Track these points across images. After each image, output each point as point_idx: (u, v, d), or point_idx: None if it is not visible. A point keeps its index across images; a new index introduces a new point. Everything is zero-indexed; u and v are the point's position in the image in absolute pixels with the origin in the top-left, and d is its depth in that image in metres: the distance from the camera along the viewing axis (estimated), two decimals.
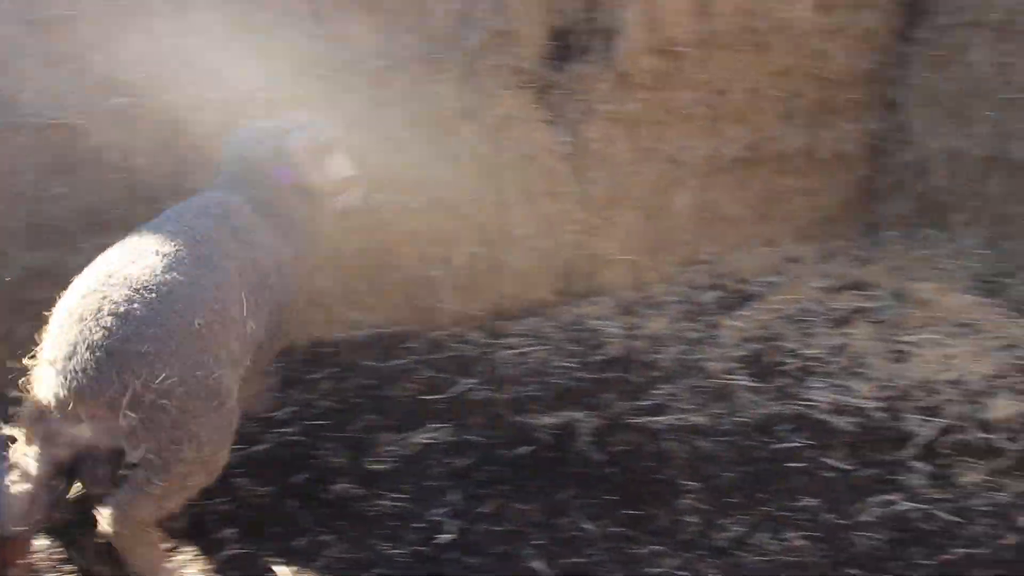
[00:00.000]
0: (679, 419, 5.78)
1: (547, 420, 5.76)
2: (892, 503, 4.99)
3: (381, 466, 5.36)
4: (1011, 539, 4.71)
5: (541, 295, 7.31)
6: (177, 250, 4.34)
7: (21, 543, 4.24)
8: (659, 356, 6.53)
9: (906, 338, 6.63)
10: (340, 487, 5.14)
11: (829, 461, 5.36)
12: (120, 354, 3.98)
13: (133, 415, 3.99)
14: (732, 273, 7.79)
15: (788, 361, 6.45)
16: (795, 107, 8.23)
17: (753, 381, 6.21)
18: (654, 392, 6.10)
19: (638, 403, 5.97)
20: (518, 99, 7.12)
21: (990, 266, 7.83)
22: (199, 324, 4.16)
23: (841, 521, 4.87)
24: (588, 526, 4.85)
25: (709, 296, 7.44)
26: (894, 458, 5.39)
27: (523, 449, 5.50)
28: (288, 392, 6.00)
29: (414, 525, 4.86)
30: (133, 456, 4.13)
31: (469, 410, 5.93)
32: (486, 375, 6.34)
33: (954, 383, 6.07)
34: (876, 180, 8.67)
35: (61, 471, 4.20)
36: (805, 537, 4.75)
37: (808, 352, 6.55)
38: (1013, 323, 6.80)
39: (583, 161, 7.35)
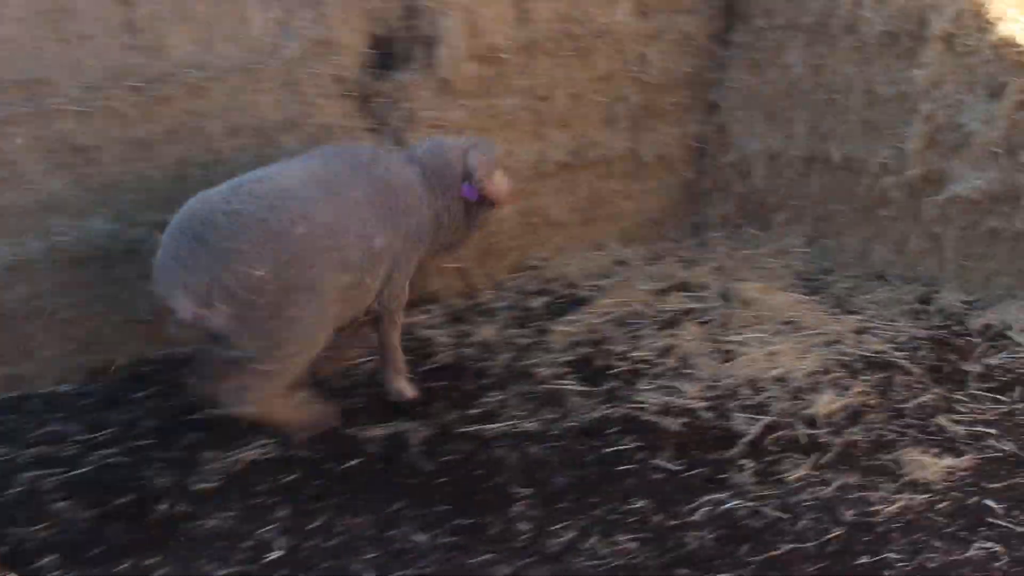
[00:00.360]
0: (510, 426, 5.85)
1: (376, 432, 5.78)
2: (721, 502, 5.13)
3: (207, 485, 5.32)
4: (836, 532, 4.89)
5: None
6: (314, 174, 5.53)
7: None
8: (489, 363, 6.60)
9: (732, 338, 6.82)
10: (165, 508, 5.10)
11: (659, 462, 5.49)
12: (217, 250, 4.96)
13: (225, 308, 4.96)
14: (561, 277, 7.91)
15: (617, 364, 6.58)
16: (618, 111, 8.39)
17: (583, 385, 6.32)
18: (485, 400, 6.17)
19: (468, 411, 6.04)
20: (340, 108, 7.12)
21: (811, 264, 8.10)
22: (301, 232, 5.14)
23: (671, 522, 4.99)
24: (420, 537, 4.89)
25: (538, 301, 7.53)
26: (722, 457, 5.54)
27: (352, 462, 5.51)
28: (110, 413, 5.94)
29: (242, 544, 4.84)
30: (238, 345, 5.08)
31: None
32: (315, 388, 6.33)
33: (779, 380, 6.27)
34: (700, 182, 8.89)
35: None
36: (636, 539, 4.86)
37: (637, 354, 6.69)
38: (834, 319, 7.05)
39: None
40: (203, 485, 5.32)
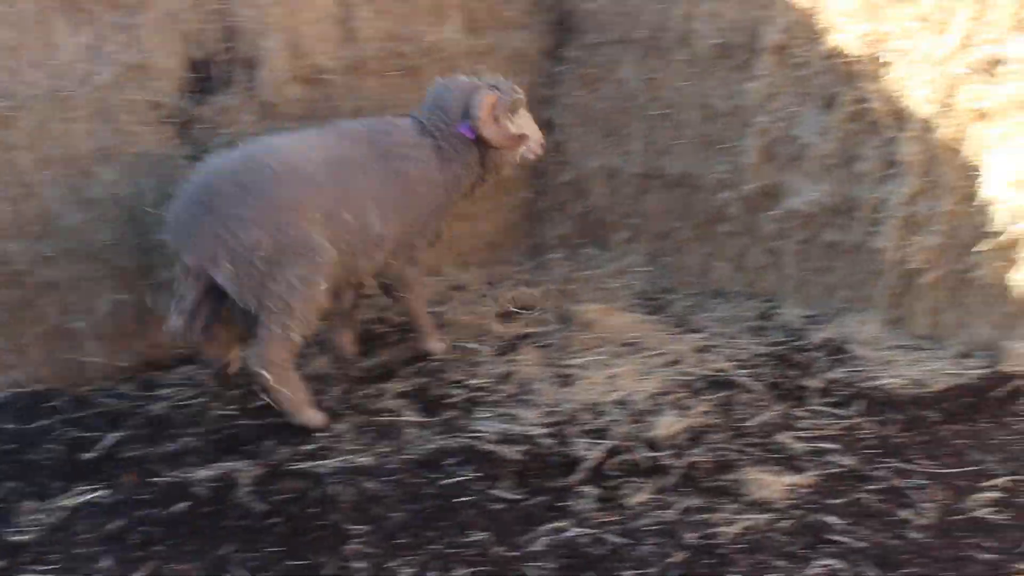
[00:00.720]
0: (344, 461, 5.76)
1: (204, 473, 5.65)
2: (562, 530, 5.10)
3: (24, 536, 5.15)
4: (679, 556, 4.89)
5: None
6: (318, 146, 6.28)
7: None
8: (322, 396, 6.50)
9: (572, 361, 6.83)
10: None
11: (498, 492, 5.45)
12: (223, 215, 5.77)
13: (230, 267, 5.77)
14: (395, 305, 7.82)
15: (455, 393, 6.54)
16: None
17: (420, 416, 6.27)
18: (318, 435, 6.07)
19: (301, 447, 5.94)
20: (158, 135, 6.96)
21: (652, 283, 8.18)
22: (300, 200, 5.92)
23: (511, 553, 4.95)
24: None
25: (373, 329, 7.46)
26: (563, 484, 5.52)
27: (180, 505, 5.37)
28: None
29: None
30: (246, 305, 5.93)
31: (121, 468, 5.77)
32: (138, 430, 6.18)
33: (620, 403, 6.29)
34: (537, 202, 8.92)
35: (208, 305, 6.15)
36: (475, 572, 4.81)
37: (474, 382, 6.66)
38: (675, 339, 7.10)
39: None
40: (20, 536, 5.14)
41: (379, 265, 6.58)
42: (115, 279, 6.80)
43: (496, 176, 7.08)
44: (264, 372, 5.99)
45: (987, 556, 4.78)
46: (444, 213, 6.92)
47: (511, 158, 6.98)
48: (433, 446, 5.90)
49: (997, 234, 6.49)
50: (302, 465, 5.74)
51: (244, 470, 5.67)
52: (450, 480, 5.57)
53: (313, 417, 6.17)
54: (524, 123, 6.97)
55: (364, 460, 5.77)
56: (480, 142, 6.75)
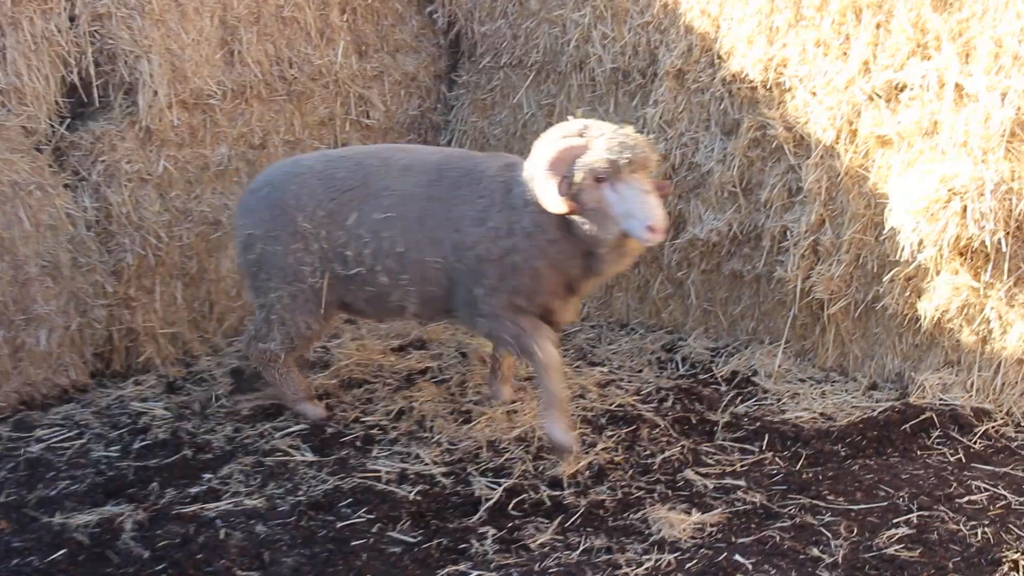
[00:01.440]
0: (234, 503, 5.74)
1: (85, 518, 5.59)
2: (462, 573, 5.13)
3: None
4: None
5: (74, 378, 7.12)
6: (363, 166, 6.27)
7: None
8: (210, 436, 6.48)
9: (471, 397, 6.86)
10: None
11: (395, 535, 5.46)
12: (243, 204, 6.50)
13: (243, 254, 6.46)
14: None
15: (350, 430, 6.54)
16: None
17: (313, 455, 6.26)
18: (206, 476, 6.04)
19: (188, 490, 5.90)
20: (31, 163, 6.90)
21: None
22: (301, 218, 6.21)
23: None
24: None
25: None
26: (462, 525, 5.55)
27: (58, 553, 5.30)
28: None
29: None
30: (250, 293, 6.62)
31: None
32: (14, 473, 6.11)
33: (521, 440, 6.33)
34: None
35: None
36: None
37: (370, 419, 6.67)
38: (577, 372, 7.17)
39: (111, 227, 7.22)
40: None
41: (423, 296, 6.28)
42: None
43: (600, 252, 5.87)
44: (263, 366, 6.69)
45: None
46: (534, 277, 6.01)
47: (591, 233, 5.71)
48: (327, 486, 5.90)
49: (903, 263, 6.64)
50: (188, 508, 5.70)
51: (127, 514, 5.61)
52: (345, 522, 5.57)
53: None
54: (626, 195, 5.58)
55: (254, 502, 5.75)
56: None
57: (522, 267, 5.95)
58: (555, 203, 5.58)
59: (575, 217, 5.66)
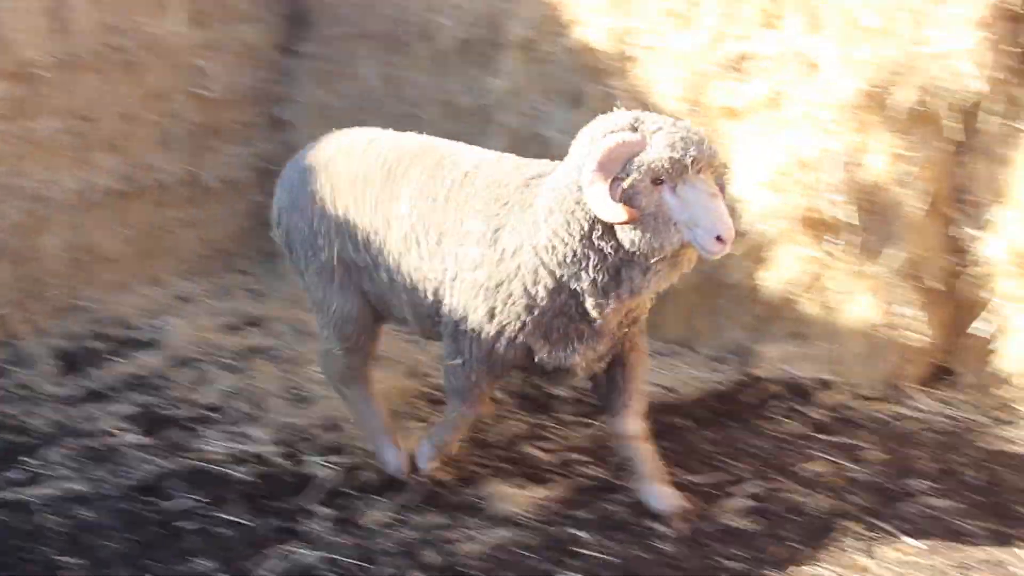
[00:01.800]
0: (57, 488, 5.63)
1: None
2: (293, 554, 5.09)
3: None
4: None
5: None
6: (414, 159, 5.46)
7: None
8: (31, 419, 6.35)
9: (306, 375, 6.82)
10: None
11: (226, 516, 5.41)
12: (282, 176, 6.00)
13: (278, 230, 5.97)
14: (115, 318, 7.74)
15: (180, 411, 6.47)
16: (174, 131, 8.30)
17: (142, 437, 6.17)
18: (26, 460, 5.92)
19: (7, 474, 5.79)
20: None
21: None
22: (323, 198, 5.61)
23: None
24: None
25: (90, 346, 7.33)
26: (295, 505, 5.51)
27: None
28: None
29: None
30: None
31: None
32: None
33: None
34: (269, 206, 8.84)
35: None
36: None
37: (202, 399, 6.60)
38: (419, 350, 7.14)
39: None
40: None
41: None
42: None
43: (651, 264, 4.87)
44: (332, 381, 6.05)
45: (736, 565, 4.96)
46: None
47: (645, 244, 4.73)
48: (155, 469, 5.83)
49: (748, 235, 6.71)
50: (8, 494, 5.59)
51: None
52: (173, 505, 5.50)
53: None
54: (691, 199, 4.66)
55: (78, 486, 5.66)
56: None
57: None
58: (611, 211, 4.63)
59: (625, 226, 4.72)
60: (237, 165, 8.66)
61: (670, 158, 4.58)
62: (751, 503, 5.46)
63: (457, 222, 5.21)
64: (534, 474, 5.76)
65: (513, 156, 5.45)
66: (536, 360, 5.18)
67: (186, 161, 8.37)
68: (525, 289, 5.02)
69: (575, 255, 4.84)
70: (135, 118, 8.08)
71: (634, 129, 4.71)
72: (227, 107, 8.59)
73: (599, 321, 5.02)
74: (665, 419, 6.31)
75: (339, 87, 8.68)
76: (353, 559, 5.05)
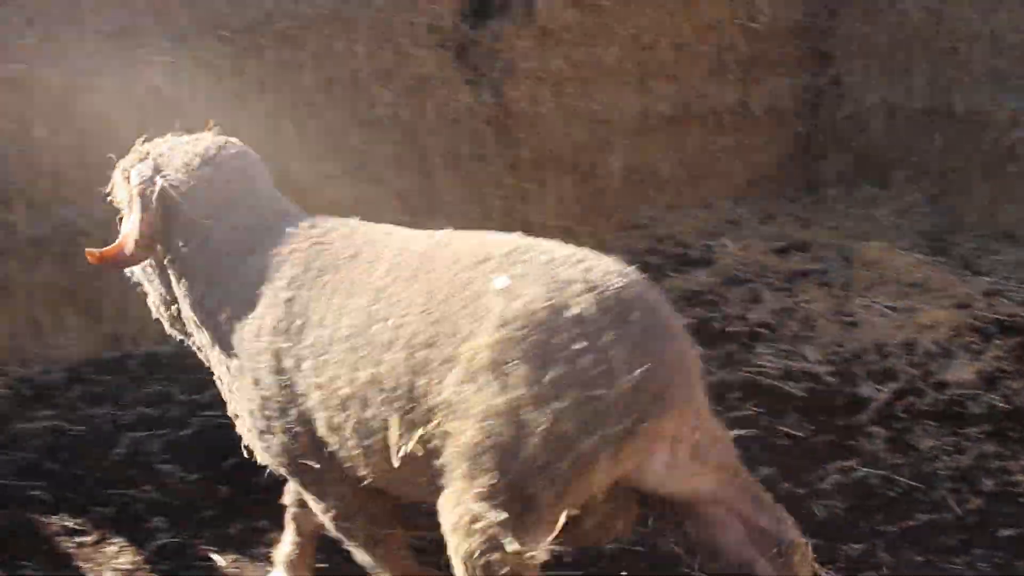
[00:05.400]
0: None
1: None
2: (850, 469, 5.10)
3: None
4: (975, 503, 4.86)
5: None
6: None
7: None
8: None
9: (855, 300, 6.77)
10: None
11: (783, 428, 5.48)
12: None
13: None
14: (670, 237, 7.90)
15: (735, 326, 6.57)
16: (726, 62, 8.35)
17: (700, 348, 6.27)
18: None
19: None
20: (437, 59, 7.15)
21: (935, 223, 8.01)
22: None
23: (799, 490, 4.97)
24: None
25: (648, 261, 7.50)
26: (849, 423, 5.52)
27: None
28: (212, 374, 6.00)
29: None
30: None
31: None
32: None
33: (907, 345, 6.21)
34: (814, 137, 8.81)
35: None
36: None
37: (755, 317, 6.67)
38: (962, 281, 6.97)
39: (508, 122, 7.41)
40: None
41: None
42: (394, 200, 7.01)
43: None
44: None
45: None
46: None
47: None
48: (714, 379, 5.92)
49: None
50: None
51: None
52: (733, 413, 5.57)
53: None
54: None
55: None
56: None
57: None
58: None
59: None
60: (783, 96, 8.63)
61: None
62: None
63: None
64: None
65: None
66: None
67: (736, 91, 8.41)
68: None
69: None
70: (689, 48, 8.17)
71: None
72: (774, 39, 8.55)
73: None
74: None
75: (883, 23, 8.50)
76: (909, 479, 5.02)
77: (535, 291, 3.17)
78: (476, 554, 3.19)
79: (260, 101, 6.69)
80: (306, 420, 3.62)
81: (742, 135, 8.50)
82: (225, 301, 3.85)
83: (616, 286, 3.21)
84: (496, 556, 3.16)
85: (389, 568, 3.93)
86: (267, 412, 3.73)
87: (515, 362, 3.09)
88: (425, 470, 3.33)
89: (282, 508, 4.32)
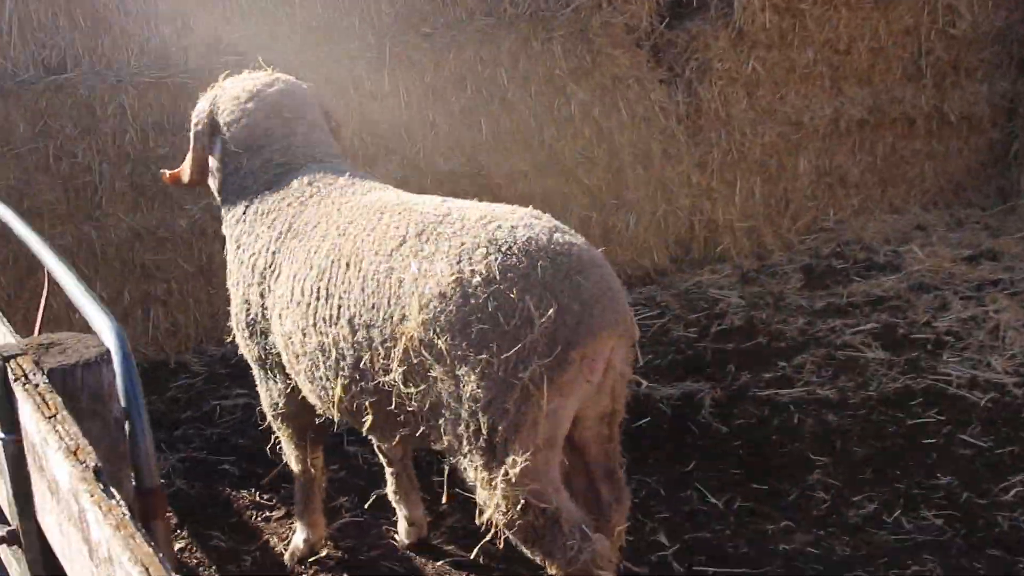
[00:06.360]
0: (806, 392, 5.83)
1: (667, 391, 5.84)
2: None
3: None
4: None
5: (656, 262, 7.39)
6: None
7: None
8: (783, 326, 6.57)
9: None
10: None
11: (966, 438, 5.38)
12: None
13: None
14: (857, 240, 7.80)
15: (920, 333, 6.47)
16: (921, 67, 8.21)
17: (884, 353, 6.23)
18: (778, 364, 6.15)
19: (762, 375, 6.04)
20: (631, 58, 7.20)
21: None
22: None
23: (980, 500, 4.89)
24: (713, 500, 4.93)
25: (833, 264, 7.46)
26: None
27: (643, 420, 5.58)
28: None
29: None
30: None
31: None
32: None
33: None
34: (1009, 144, 8.61)
35: None
36: (942, 516, 4.79)
37: (941, 324, 6.56)
38: None
39: (700, 122, 7.42)
40: None
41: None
42: (584, 196, 7.10)
43: None
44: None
45: None
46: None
47: None
48: (897, 384, 5.88)
49: None
50: (763, 392, 5.85)
51: (706, 392, 5.84)
52: (915, 420, 5.54)
53: None
54: None
55: (826, 393, 5.82)
56: None
57: None
58: None
59: None
60: (979, 102, 8.44)
61: None
62: None
63: None
64: None
65: None
66: None
67: (931, 96, 8.25)
68: None
69: None
70: (885, 52, 8.05)
71: None
72: (972, 45, 8.37)
73: None
74: None
75: None
76: None
77: (440, 268, 3.45)
78: None
79: (458, 96, 6.83)
80: (272, 346, 4.16)
81: (935, 141, 8.35)
82: (243, 230, 4.30)
83: (521, 239, 3.44)
84: None
85: (302, 470, 4.45)
86: (245, 324, 4.27)
87: (444, 336, 3.40)
88: (364, 416, 3.78)
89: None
